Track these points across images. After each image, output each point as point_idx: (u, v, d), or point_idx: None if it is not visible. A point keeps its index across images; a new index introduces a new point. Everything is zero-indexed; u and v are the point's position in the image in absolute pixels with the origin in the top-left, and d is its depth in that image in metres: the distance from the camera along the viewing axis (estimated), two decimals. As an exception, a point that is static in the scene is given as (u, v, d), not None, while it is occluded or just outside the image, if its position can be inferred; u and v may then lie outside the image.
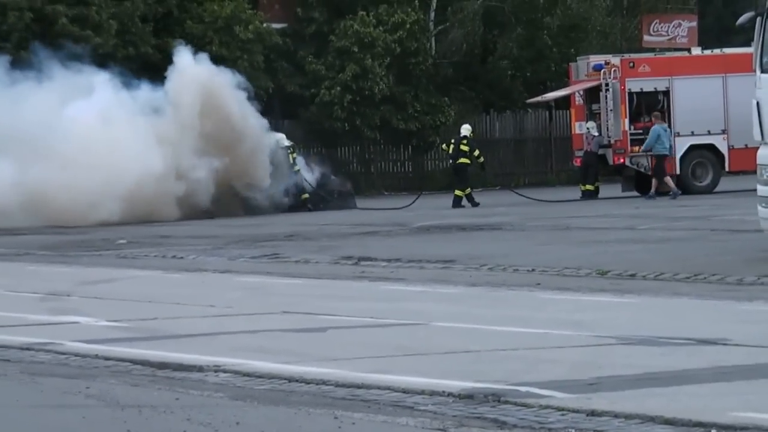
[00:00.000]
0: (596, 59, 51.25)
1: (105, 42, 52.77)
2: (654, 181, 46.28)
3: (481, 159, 49.12)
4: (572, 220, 35.73)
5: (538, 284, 21.28)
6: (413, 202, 46.35)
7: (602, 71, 49.93)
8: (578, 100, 50.52)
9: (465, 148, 48.15)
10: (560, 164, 51.13)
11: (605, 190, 47.93)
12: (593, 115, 48.98)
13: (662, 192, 45.94)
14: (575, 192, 47.71)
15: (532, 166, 57.91)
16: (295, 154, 48.14)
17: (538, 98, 55.41)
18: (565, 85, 53.01)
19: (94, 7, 52.92)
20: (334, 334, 16.53)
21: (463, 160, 47.73)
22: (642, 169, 47.87)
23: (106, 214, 44.89)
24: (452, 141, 48.76)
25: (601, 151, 47.74)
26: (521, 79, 60.03)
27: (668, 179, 46.33)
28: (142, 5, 54.60)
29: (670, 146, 47.07)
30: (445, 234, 32.80)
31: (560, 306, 18.67)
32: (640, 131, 48.04)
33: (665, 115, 47.69)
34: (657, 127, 47.64)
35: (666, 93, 48.10)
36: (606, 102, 49.18)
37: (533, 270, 23.16)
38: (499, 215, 38.65)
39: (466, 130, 49.65)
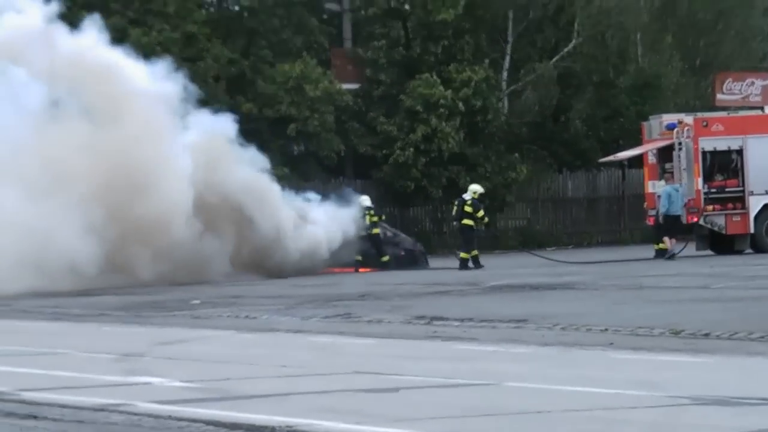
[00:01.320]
0: (669, 118, 51.09)
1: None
2: (668, 240, 46.16)
3: (486, 220, 48.92)
4: (646, 279, 35.53)
5: (611, 344, 21.08)
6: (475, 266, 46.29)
7: (675, 130, 49.78)
8: (651, 159, 50.36)
9: (469, 209, 48.14)
10: (633, 222, 50.89)
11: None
12: (667, 174, 48.78)
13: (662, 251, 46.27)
14: (649, 250, 47.49)
15: (605, 225, 57.78)
16: (375, 218, 48.10)
17: (611, 157, 55.30)
18: (639, 143, 52.86)
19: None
20: (406, 395, 16.44)
21: (466, 221, 47.74)
22: (716, 228, 47.67)
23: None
24: (456, 202, 48.74)
25: (679, 212, 47.61)
26: (594, 138, 60.00)
27: (667, 239, 46.44)
28: (215, 65, 54.95)
29: (683, 205, 46.99)
30: (517, 293, 32.68)
31: (634, 366, 18.44)
32: (714, 190, 47.88)
33: (739, 173, 47.59)
34: (668, 188, 47.51)
35: (740, 152, 47.92)
36: (679, 161, 48.98)
37: (606, 329, 23.01)
38: (572, 274, 38.51)
39: (470, 191, 49.24)
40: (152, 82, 47.58)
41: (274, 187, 48.30)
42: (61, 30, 48.45)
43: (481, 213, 48.50)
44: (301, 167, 54.23)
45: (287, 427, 14.07)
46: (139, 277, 44.12)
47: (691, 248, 47.50)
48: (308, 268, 46.88)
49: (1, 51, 46.60)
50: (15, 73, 46.47)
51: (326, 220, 48.63)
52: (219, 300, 34.32)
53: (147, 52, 53.76)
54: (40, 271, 41.65)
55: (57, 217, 43.36)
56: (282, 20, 57.64)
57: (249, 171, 47.60)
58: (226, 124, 47.94)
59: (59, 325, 29.34)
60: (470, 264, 45.85)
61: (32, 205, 43.01)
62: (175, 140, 47.62)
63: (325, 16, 61.05)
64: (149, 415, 15.32)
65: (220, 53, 55.96)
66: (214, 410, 15.34)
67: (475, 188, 49.21)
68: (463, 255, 46.50)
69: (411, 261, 48.30)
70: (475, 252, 46.67)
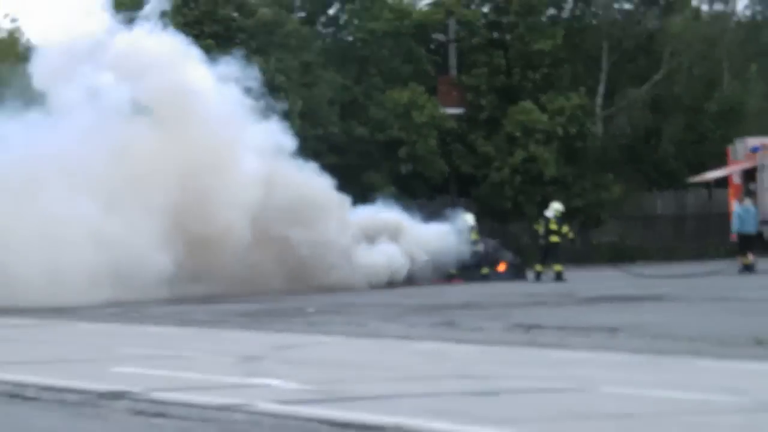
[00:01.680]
0: (753, 142, 50.93)
1: (292, 123, 53.40)
2: (747, 256, 45.89)
3: (571, 235, 48.93)
4: (732, 292, 35.40)
5: (698, 352, 21.11)
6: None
7: (758, 153, 49.59)
8: (736, 179, 50.15)
9: (554, 226, 48.36)
10: (719, 239, 50.60)
11: (763, 264, 47.40)
12: (751, 194, 48.56)
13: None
14: (734, 266, 47.17)
15: (692, 242, 57.39)
16: (477, 236, 48.14)
17: (699, 178, 55.14)
18: (724, 165, 52.63)
19: (282, 92, 53.62)
20: (506, 398, 16.46)
21: (553, 237, 48.03)
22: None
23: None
24: (540, 221, 49.11)
25: (759, 228, 47.31)
26: (682, 160, 59.77)
27: (748, 257, 46.22)
28: (330, 91, 55.19)
29: (756, 223, 47.01)
30: (609, 304, 32.61)
31: (719, 373, 18.33)
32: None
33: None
34: (737, 209, 48.03)
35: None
36: (762, 182, 48.77)
37: (694, 339, 23.00)
38: (661, 287, 38.36)
39: (552, 209, 49.41)
40: (223, 96, 47.44)
41: (331, 206, 47.71)
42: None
43: (565, 229, 48.50)
44: (408, 186, 54.31)
45: (396, 426, 14.15)
46: (209, 286, 44.02)
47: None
48: (376, 280, 46.84)
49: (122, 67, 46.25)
50: (102, 77, 46.21)
51: (418, 238, 48.57)
52: (331, 308, 34.48)
53: (268, 78, 54.13)
54: (118, 282, 41.54)
55: (133, 227, 42.90)
56: (392, 50, 57.82)
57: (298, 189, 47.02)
58: (283, 138, 48.00)
59: (185, 330, 29.72)
60: (560, 277, 45.81)
61: (109, 214, 42.77)
62: (242, 152, 47.16)
63: (432, 46, 61.16)
64: (269, 415, 15.45)
65: (334, 80, 56.20)
66: (328, 410, 15.42)
67: (557, 206, 49.16)
68: (557, 268, 46.47)
69: (512, 274, 48.29)
70: (560, 267, 46.63)
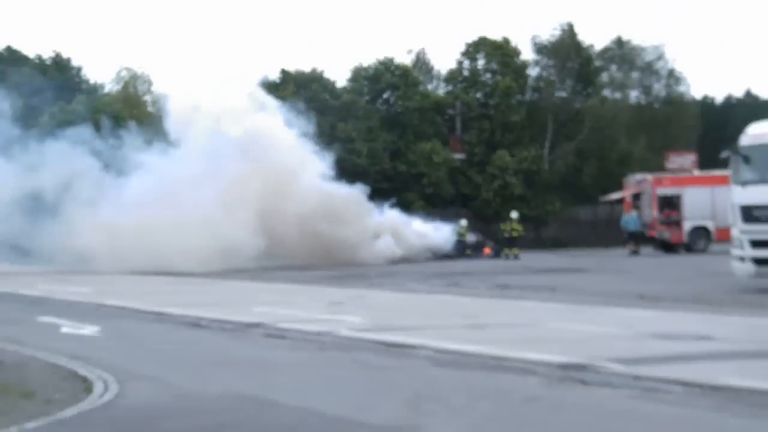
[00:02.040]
0: (637, 177, 50.98)
1: (361, 161, 53.54)
2: (631, 246, 46.32)
3: (523, 232, 48.66)
4: (624, 267, 35.38)
5: (605, 303, 20.97)
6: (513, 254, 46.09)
7: (640, 183, 49.73)
8: (628, 199, 50.14)
9: (517, 225, 47.70)
10: (617, 236, 50.26)
11: (643, 251, 47.30)
12: (636, 207, 48.63)
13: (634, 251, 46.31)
14: (625, 251, 47.07)
15: (601, 237, 56.58)
16: (465, 234, 48.00)
17: (606, 198, 55.09)
18: (621, 190, 52.64)
19: (356, 143, 53.95)
20: (490, 329, 16.54)
21: (515, 233, 47.08)
22: (664, 238, 47.39)
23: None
24: (507, 222, 48.00)
25: (640, 229, 47.45)
26: (596, 187, 59.38)
27: (632, 246, 46.35)
28: (384, 144, 55.19)
29: (638, 225, 47.20)
30: (551, 273, 32.54)
31: (616, 316, 18.13)
32: (664, 217, 47.60)
33: (678, 208, 47.46)
34: (626, 217, 48.07)
35: (679, 196, 47.61)
36: (642, 200, 48.97)
37: (602, 295, 22.91)
38: (582, 263, 38.33)
39: (515, 213, 49.06)
40: (290, 142, 45.82)
41: (358, 210, 45.52)
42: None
43: (521, 227, 48.51)
44: (430, 201, 54.16)
45: (422, 345, 14.29)
46: (288, 262, 42.38)
47: (648, 250, 47.06)
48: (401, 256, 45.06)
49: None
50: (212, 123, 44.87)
51: (425, 232, 47.88)
52: (382, 274, 34.39)
53: (347, 136, 54.30)
54: (225, 257, 40.14)
55: (235, 223, 41.19)
56: (421, 118, 57.85)
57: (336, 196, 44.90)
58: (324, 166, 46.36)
59: (294, 286, 29.30)
60: (518, 257, 45.67)
61: (221, 214, 41.05)
62: (305, 173, 45.30)
63: (445, 117, 60.94)
64: (345, 338, 15.54)
65: (387, 137, 56.14)
66: (381, 336, 15.49)
67: (514, 214, 49.24)
68: (514, 251, 46.43)
69: (492, 255, 47.87)
70: (516, 250, 46.54)
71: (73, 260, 41.01)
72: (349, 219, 44.43)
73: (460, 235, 48.32)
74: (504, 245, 47.69)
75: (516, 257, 45.82)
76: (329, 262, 41.70)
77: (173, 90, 50.23)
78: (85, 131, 45.00)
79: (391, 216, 47.23)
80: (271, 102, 48.34)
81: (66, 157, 43.18)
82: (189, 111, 45.91)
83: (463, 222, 49.24)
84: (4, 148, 43.38)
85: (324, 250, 43.31)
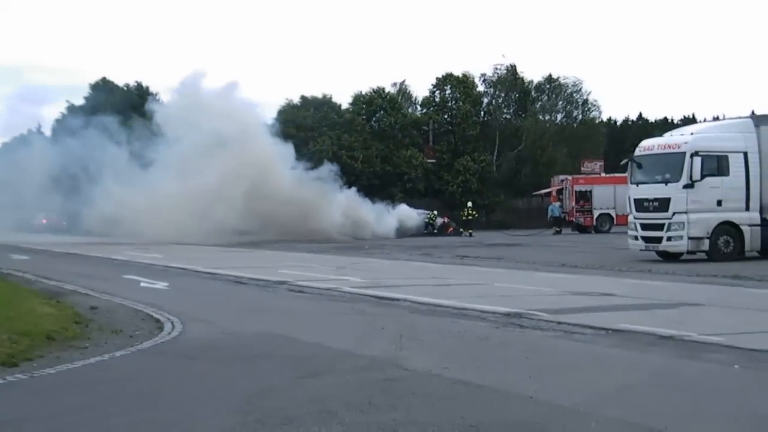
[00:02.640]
0: (561, 176, 50.99)
1: (358, 165, 53.21)
2: (555, 228, 46.14)
3: (476, 215, 48.23)
4: (550, 243, 35.43)
5: (536, 269, 21.19)
6: (461, 233, 46.15)
7: (564, 181, 49.70)
8: (553, 193, 50.13)
9: (472, 211, 47.43)
10: (545, 220, 50.02)
11: (564, 232, 47.35)
12: (560, 199, 48.59)
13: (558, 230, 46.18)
14: (550, 232, 46.99)
15: (533, 221, 55.74)
16: (433, 215, 47.51)
17: (537, 192, 55.03)
18: (548, 186, 52.55)
19: (355, 150, 53.61)
20: (453, 287, 16.59)
21: (470, 217, 46.71)
22: (580, 222, 47.33)
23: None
24: (464, 209, 47.55)
25: (562, 215, 47.37)
26: (531, 184, 59.19)
27: (556, 228, 46.00)
28: (375, 151, 54.77)
29: (560, 212, 47.15)
30: (498, 247, 32.51)
31: (545, 278, 18.14)
32: (580, 206, 47.61)
33: (590, 200, 47.47)
34: (552, 206, 47.86)
35: (591, 191, 47.57)
36: (565, 194, 48.95)
37: (534, 263, 23.09)
38: (520, 240, 38.38)
39: (470, 203, 48.51)
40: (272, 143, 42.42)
41: (321, 197, 41.95)
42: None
43: (475, 212, 48.31)
44: (409, 194, 53.51)
45: (404, 299, 14.25)
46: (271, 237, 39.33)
47: (567, 232, 47.06)
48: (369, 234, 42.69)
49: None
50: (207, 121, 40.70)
51: (399, 214, 46.13)
52: (374, 246, 34.35)
53: (346, 145, 53.75)
54: (219, 233, 37.37)
55: (222, 205, 38.18)
56: (402, 132, 57.36)
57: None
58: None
59: (309, 254, 28.70)
60: (471, 235, 45.38)
61: (213, 200, 38.13)
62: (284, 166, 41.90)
63: (422, 131, 60.36)
64: (348, 293, 15.52)
65: (377, 146, 55.67)
66: (374, 291, 15.53)
67: (470, 203, 49.02)
68: (469, 231, 46.28)
69: (454, 233, 47.23)
70: (471, 230, 46.48)
71: (104, 231, 39.03)
72: (313, 200, 41.38)
73: (431, 219, 48.05)
74: (461, 226, 47.52)
75: (470, 235, 45.65)
76: (304, 237, 39.24)
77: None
78: (113, 124, 42.52)
79: (346, 197, 44.49)
80: (252, 107, 45.65)
81: (99, 146, 40.87)
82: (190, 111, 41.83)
83: (436, 211, 48.87)
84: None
85: (298, 226, 40.29)
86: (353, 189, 45.50)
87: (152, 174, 40.72)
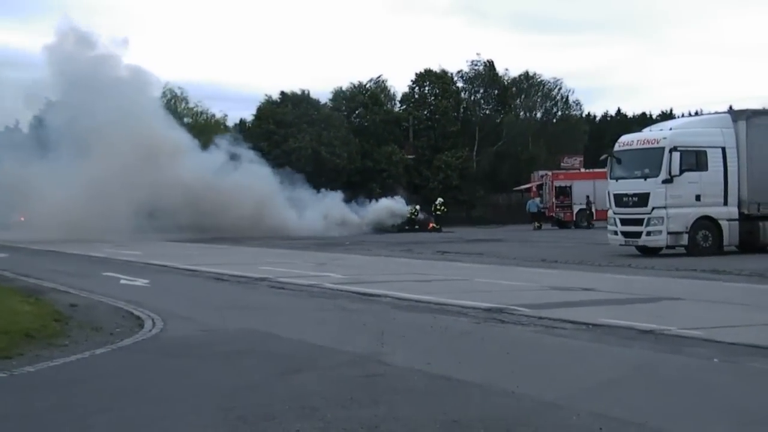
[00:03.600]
0: (540, 173, 51.22)
1: (339, 161, 53.11)
2: (536, 223, 46.45)
3: (445, 210, 48.32)
4: (529, 238, 35.59)
5: (518, 264, 21.22)
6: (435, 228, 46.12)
7: (543, 177, 49.93)
8: (534, 189, 50.35)
9: (441, 207, 47.59)
10: (525, 215, 50.20)
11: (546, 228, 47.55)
12: (540, 195, 48.81)
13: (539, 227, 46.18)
14: (530, 227, 47.22)
15: (513, 216, 56.43)
16: (417, 211, 47.44)
17: (517, 188, 55.24)
18: (528, 182, 52.77)
19: (336, 147, 53.51)
20: (434, 283, 16.60)
21: (439, 213, 47.27)
22: (560, 218, 47.62)
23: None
24: (435, 204, 48.06)
25: (542, 210, 47.62)
26: (511, 180, 59.37)
27: (536, 223, 46.41)
28: (356, 147, 54.73)
29: (537, 207, 47.38)
30: (479, 242, 32.53)
31: (527, 274, 18.24)
32: (560, 202, 47.89)
33: (569, 195, 47.76)
34: (531, 202, 48.06)
35: (570, 186, 47.86)
36: (544, 190, 49.16)
37: (515, 258, 23.17)
38: (500, 236, 38.49)
39: (439, 201, 48.57)
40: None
41: (272, 191, 40.95)
42: None
43: (444, 208, 48.32)
44: (390, 189, 53.28)
45: (385, 295, 14.20)
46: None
47: (548, 227, 47.27)
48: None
49: None
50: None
51: (376, 209, 45.97)
52: (354, 243, 34.27)
53: (326, 141, 53.59)
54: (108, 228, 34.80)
55: (119, 202, 35.82)
56: (383, 128, 57.39)
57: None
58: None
59: (289, 251, 28.82)
60: (440, 230, 45.32)
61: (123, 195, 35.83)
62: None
63: (401, 127, 60.35)
64: (328, 289, 15.52)
65: (358, 143, 55.65)
66: (355, 287, 15.55)
67: (440, 199, 49.13)
68: (438, 226, 46.16)
69: (435, 229, 47.27)
70: (439, 226, 46.34)
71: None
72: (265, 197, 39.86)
73: (412, 214, 48.04)
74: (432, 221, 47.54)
75: (439, 230, 45.51)
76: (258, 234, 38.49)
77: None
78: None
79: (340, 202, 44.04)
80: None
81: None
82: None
83: (417, 206, 48.85)
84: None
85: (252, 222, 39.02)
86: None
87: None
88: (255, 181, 40.53)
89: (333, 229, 42.12)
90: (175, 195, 37.59)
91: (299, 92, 57.77)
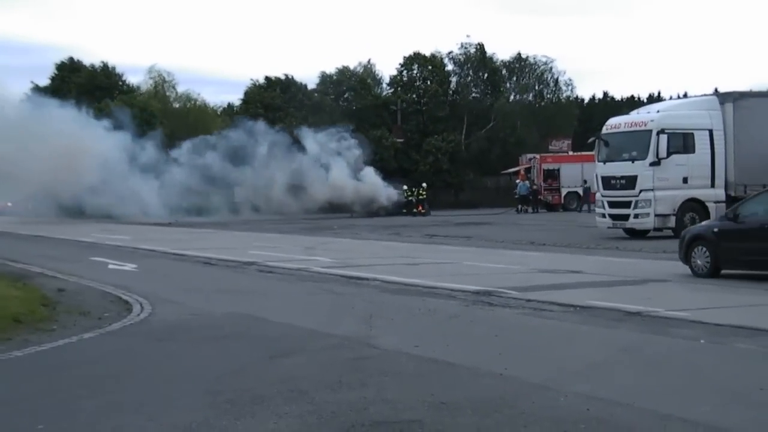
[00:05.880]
0: (529, 155, 51.22)
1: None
2: (523, 206, 46.36)
3: (425, 196, 47.90)
4: (519, 222, 35.70)
5: (506, 247, 21.32)
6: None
7: (531, 160, 49.92)
8: (522, 171, 50.34)
9: (424, 191, 47.53)
10: (512, 198, 50.16)
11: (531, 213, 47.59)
12: (528, 178, 48.79)
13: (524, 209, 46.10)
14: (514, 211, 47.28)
15: (501, 199, 56.23)
16: (409, 193, 47.20)
17: (506, 171, 55.15)
18: (517, 165, 52.72)
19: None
20: (422, 266, 16.65)
21: (423, 196, 46.81)
22: (549, 200, 47.67)
23: None
24: (420, 188, 47.45)
25: (528, 193, 47.60)
26: (500, 163, 59.34)
27: (524, 206, 46.33)
28: (346, 132, 54.71)
29: (527, 191, 47.01)
30: (467, 225, 32.67)
31: (515, 256, 18.37)
32: (548, 185, 47.97)
33: (557, 178, 47.87)
34: (521, 184, 47.55)
35: (558, 170, 47.97)
36: (533, 173, 49.15)
37: (503, 241, 23.24)
38: (488, 219, 38.53)
39: (424, 184, 48.23)
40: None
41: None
42: None
43: (424, 193, 48.02)
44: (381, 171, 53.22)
45: (373, 278, 14.33)
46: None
47: (542, 211, 47.35)
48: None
49: None
50: None
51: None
52: (344, 227, 34.34)
53: (315, 129, 53.29)
54: None
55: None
56: (372, 112, 57.07)
57: None
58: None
59: (278, 235, 28.92)
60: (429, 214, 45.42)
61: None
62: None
63: (391, 110, 59.99)
64: (317, 273, 15.58)
65: (348, 128, 55.30)
66: (344, 271, 15.62)
67: (425, 184, 48.92)
68: (426, 210, 46.28)
69: (425, 213, 47.12)
70: (428, 207, 46.30)
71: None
72: None
73: (408, 196, 47.88)
74: (414, 205, 47.27)
75: (427, 214, 45.47)
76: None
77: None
78: None
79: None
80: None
81: None
82: None
83: (405, 187, 48.54)
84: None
85: None
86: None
87: None
88: None
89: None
90: None
91: (283, 77, 57.51)
